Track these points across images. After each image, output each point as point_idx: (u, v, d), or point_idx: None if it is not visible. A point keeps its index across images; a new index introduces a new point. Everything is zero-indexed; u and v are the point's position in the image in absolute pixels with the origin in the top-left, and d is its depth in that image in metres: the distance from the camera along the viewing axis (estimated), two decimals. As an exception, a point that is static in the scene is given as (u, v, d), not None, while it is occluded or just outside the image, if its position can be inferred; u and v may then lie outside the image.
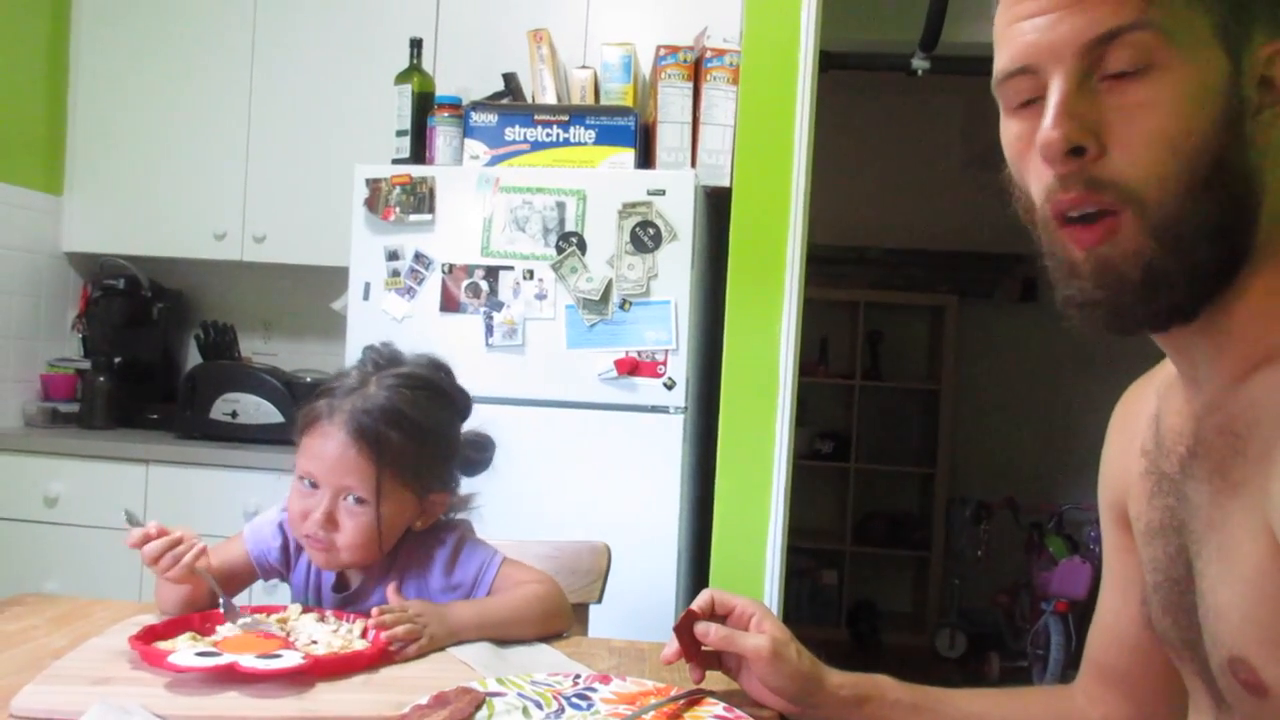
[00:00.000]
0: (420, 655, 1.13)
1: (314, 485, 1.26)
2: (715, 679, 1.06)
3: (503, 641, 1.21)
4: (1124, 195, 0.65)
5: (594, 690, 1.02)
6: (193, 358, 3.22)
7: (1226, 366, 0.71)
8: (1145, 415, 0.84)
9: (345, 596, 1.33)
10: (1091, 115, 0.65)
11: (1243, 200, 0.66)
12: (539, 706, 0.97)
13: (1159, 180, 0.64)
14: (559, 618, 1.29)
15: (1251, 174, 0.66)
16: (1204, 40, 0.64)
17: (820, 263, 4.22)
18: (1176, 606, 0.76)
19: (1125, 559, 0.91)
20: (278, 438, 2.88)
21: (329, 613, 1.20)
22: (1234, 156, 0.64)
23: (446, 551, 1.32)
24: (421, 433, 1.28)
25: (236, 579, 1.34)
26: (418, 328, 2.39)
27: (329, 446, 1.24)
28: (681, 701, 1.00)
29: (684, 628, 1.03)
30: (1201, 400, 0.74)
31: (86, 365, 3.08)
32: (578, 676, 1.05)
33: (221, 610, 1.17)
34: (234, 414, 2.90)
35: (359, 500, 1.24)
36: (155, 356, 3.20)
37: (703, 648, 1.04)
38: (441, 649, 1.16)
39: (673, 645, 1.04)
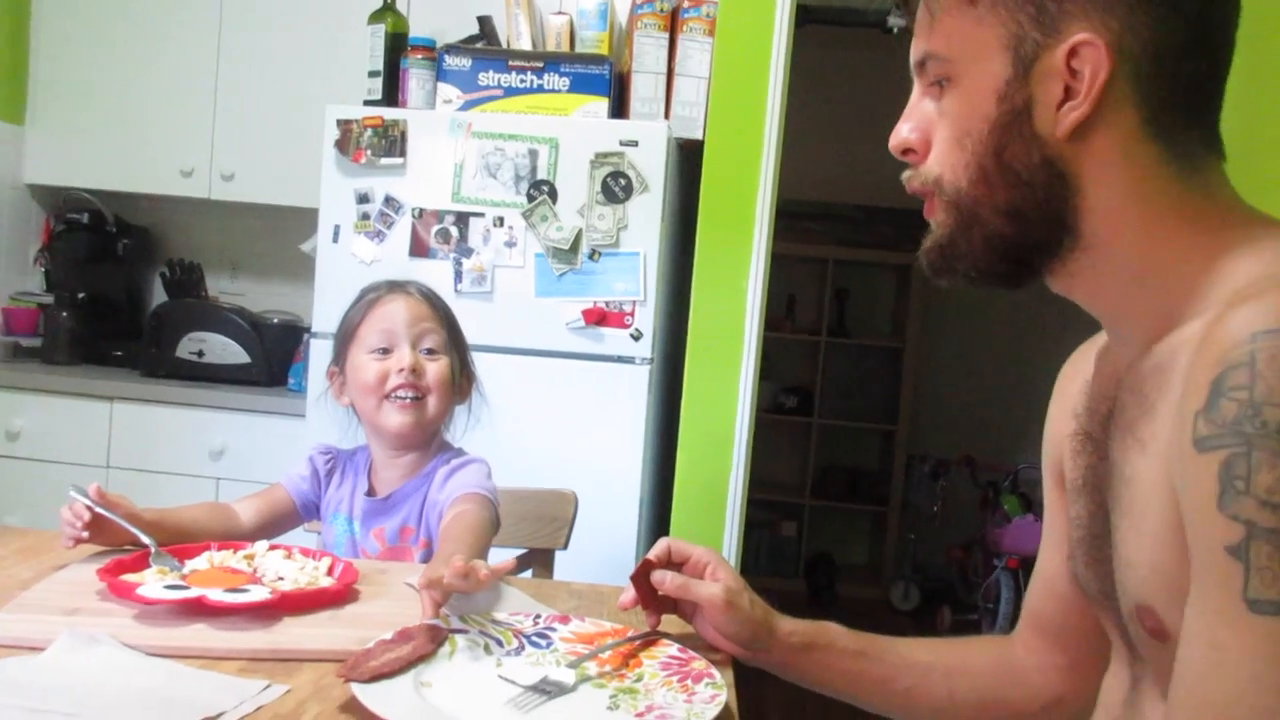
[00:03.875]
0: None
1: (387, 351, 1.45)
2: (671, 622, 1.09)
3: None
4: (931, 183, 0.79)
5: (553, 630, 1.05)
6: (158, 295, 3.20)
7: (1142, 331, 0.75)
8: (1081, 379, 0.88)
9: (378, 503, 1.48)
10: (929, 117, 0.79)
11: (1037, 184, 0.74)
12: (500, 644, 1.00)
13: (950, 171, 0.77)
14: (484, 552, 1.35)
15: (1053, 161, 0.73)
16: (989, 53, 0.74)
17: (791, 218, 4.24)
18: (1096, 560, 0.80)
19: (1062, 516, 0.95)
20: (245, 378, 2.88)
21: (295, 550, 1.22)
22: (1015, 149, 0.74)
23: (447, 468, 1.47)
24: (454, 316, 1.55)
25: (284, 521, 1.49)
26: (386, 272, 2.38)
27: (401, 306, 1.48)
28: (637, 642, 1.03)
29: (641, 576, 1.07)
30: (1122, 363, 0.79)
31: (49, 300, 3.05)
32: (538, 616, 1.08)
33: (151, 559, 1.17)
34: (200, 353, 2.90)
35: (432, 350, 1.47)
36: (120, 293, 3.17)
37: (658, 595, 1.07)
38: None
39: (629, 592, 1.07)
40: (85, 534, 1.20)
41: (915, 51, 0.79)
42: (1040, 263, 0.77)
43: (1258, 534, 0.59)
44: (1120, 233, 0.74)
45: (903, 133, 0.80)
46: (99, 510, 1.20)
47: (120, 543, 1.22)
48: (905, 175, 0.81)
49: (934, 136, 0.78)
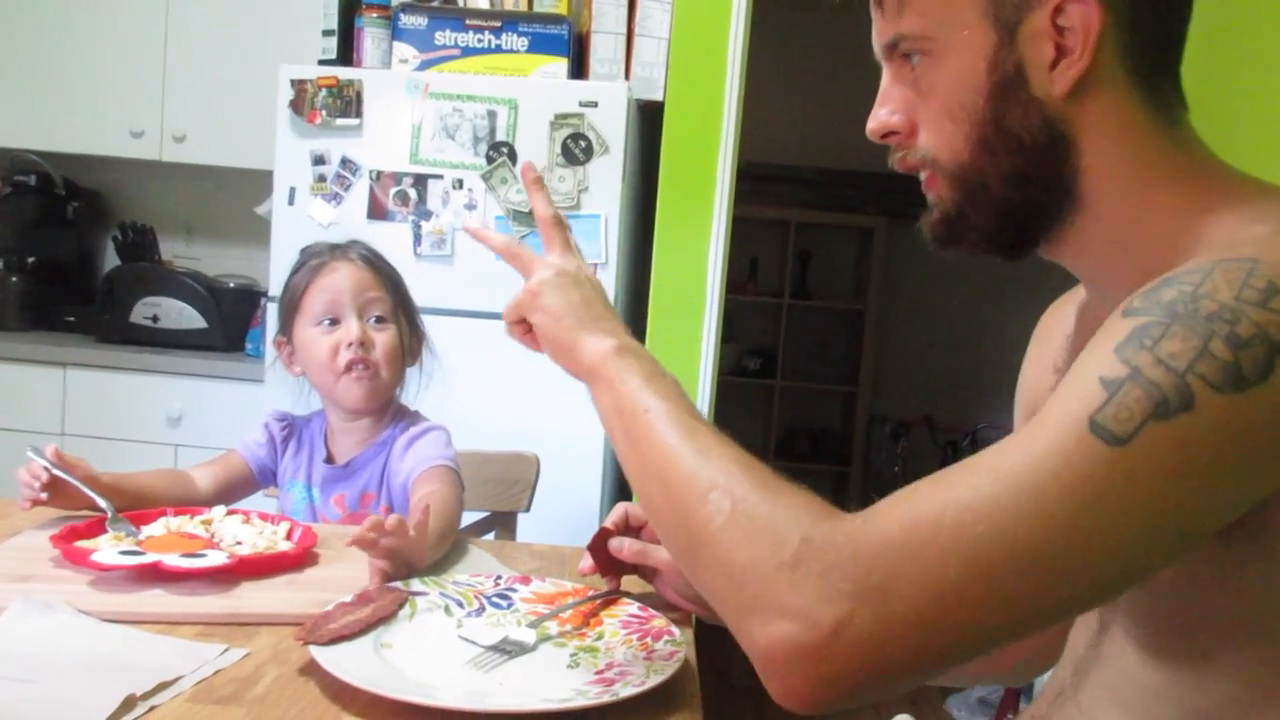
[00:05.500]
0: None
1: (334, 322, 1.44)
2: (631, 581, 1.10)
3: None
4: (927, 162, 0.78)
5: (514, 590, 1.05)
6: (110, 259, 3.14)
7: (1125, 291, 0.75)
8: (1061, 333, 0.89)
9: (338, 470, 1.46)
10: (908, 98, 0.78)
11: (1040, 148, 0.74)
12: (460, 605, 1.01)
13: (948, 147, 0.76)
14: (454, 528, 1.32)
15: (1053, 123, 0.73)
16: (969, 24, 0.73)
17: (754, 180, 4.24)
18: None
19: None
20: (201, 343, 2.85)
21: (253, 514, 1.22)
22: (1014, 114, 0.73)
23: (406, 437, 1.46)
24: (400, 276, 1.54)
25: (241, 488, 1.47)
26: (344, 235, 2.36)
27: (346, 276, 1.45)
28: (598, 602, 1.04)
29: (598, 544, 1.07)
30: (1106, 319, 0.79)
31: (-2, 264, 2.98)
32: (499, 577, 1.08)
33: (108, 524, 1.16)
34: (155, 318, 2.85)
35: (380, 319, 1.46)
36: (71, 257, 3.11)
37: (617, 560, 1.08)
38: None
39: (587, 560, 1.08)
40: (43, 495, 1.19)
41: (883, 35, 0.78)
42: (1041, 230, 0.77)
43: (1137, 378, 0.59)
44: (1112, 192, 0.74)
45: (881, 116, 0.79)
46: (56, 472, 1.18)
47: (77, 506, 1.21)
48: (896, 155, 0.80)
49: (918, 116, 0.77)
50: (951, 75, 0.74)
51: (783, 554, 0.62)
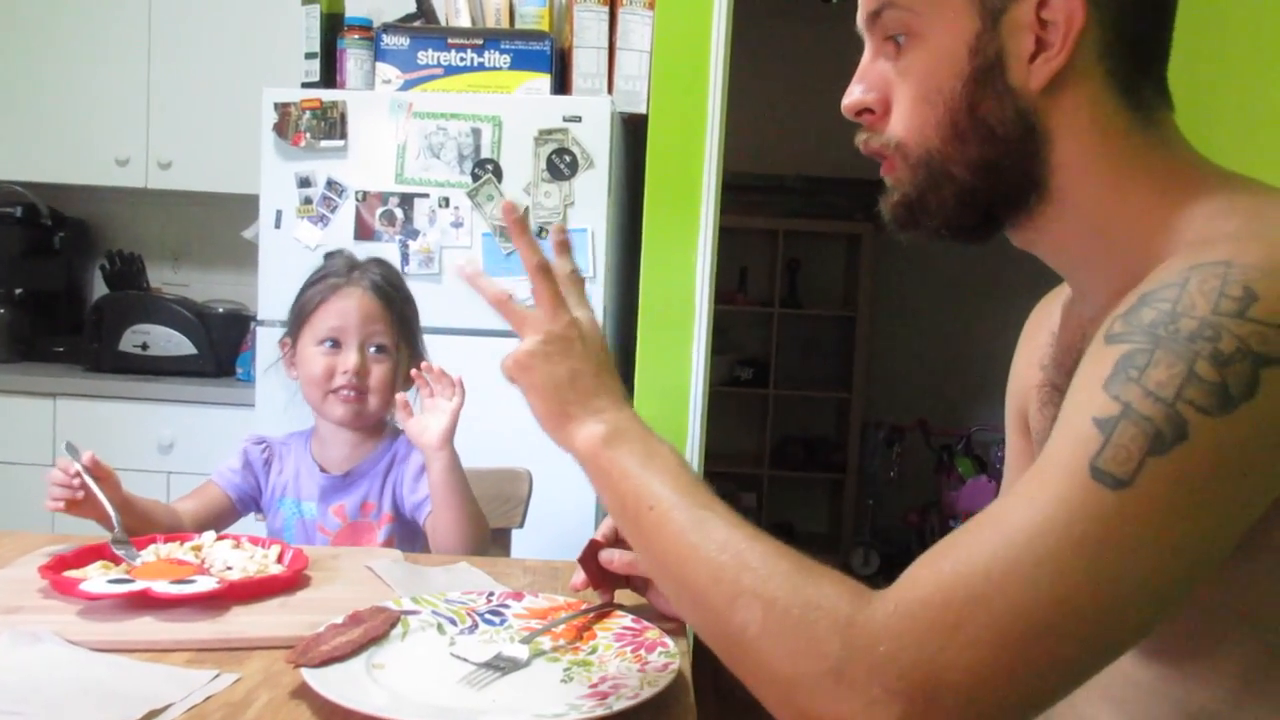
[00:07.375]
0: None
1: (336, 345, 1.47)
2: (625, 594, 1.10)
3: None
4: (891, 148, 0.77)
5: (507, 607, 1.05)
6: (98, 288, 3.13)
7: (1104, 285, 0.76)
8: (1047, 331, 0.89)
9: (336, 479, 1.49)
10: (886, 76, 0.77)
11: (1011, 139, 0.74)
12: (453, 623, 1.00)
13: (918, 131, 0.75)
14: (484, 526, 1.42)
15: (1026, 114, 0.73)
16: (955, 6, 0.73)
17: (740, 191, 4.25)
18: None
19: (1024, 464, 0.96)
20: (191, 369, 2.84)
21: (244, 538, 1.21)
22: (989, 103, 0.73)
23: (421, 458, 1.46)
24: (412, 302, 1.59)
25: (223, 518, 1.48)
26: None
27: (355, 303, 1.49)
28: (591, 615, 1.04)
29: (588, 557, 1.07)
30: (1086, 316, 0.79)
31: (-15, 297, 2.97)
32: (491, 594, 1.08)
33: (111, 541, 1.17)
34: (144, 346, 2.84)
35: (380, 349, 1.49)
36: (58, 287, 3.11)
37: (609, 573, 1.07)
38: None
39: (579, 574, 1.08)
40: (79, 495, 1.20)
41: (869, 3, 0.77)
42: (1006, 216, 0.77)
43: (1130, 415, 0.59)
44: (1085, 186, 0.74)
45: (856, 94, 0.78)
46: (88, 480, 1.21)
47: (91, 516, 1.22)
48: (861, 137, 0.79)
49: (893, 96, 0.77)
50: (932, 57, 0.74)
51: (825, 662, 0.61)
